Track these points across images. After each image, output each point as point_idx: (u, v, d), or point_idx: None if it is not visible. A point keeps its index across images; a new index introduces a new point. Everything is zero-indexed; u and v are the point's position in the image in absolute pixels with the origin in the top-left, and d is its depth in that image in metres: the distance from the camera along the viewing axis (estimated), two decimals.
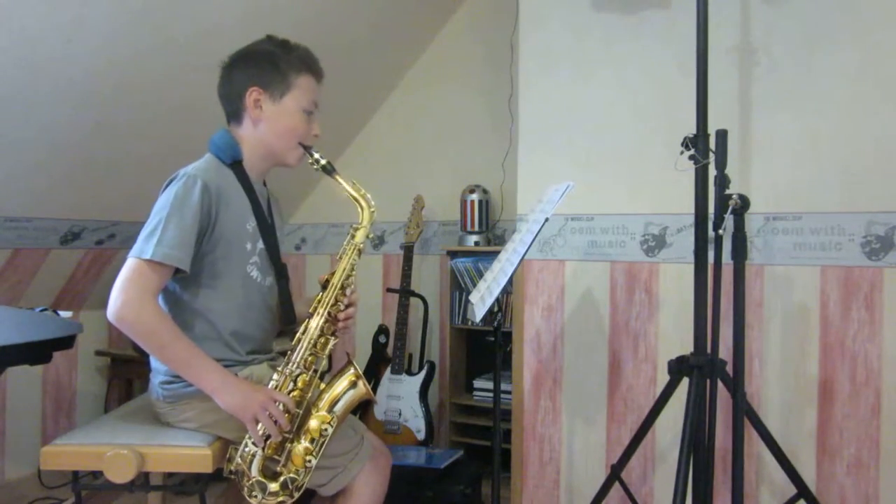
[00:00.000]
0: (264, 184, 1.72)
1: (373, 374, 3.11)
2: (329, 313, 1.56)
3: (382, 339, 3.18)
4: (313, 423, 1.49)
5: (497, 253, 1.91)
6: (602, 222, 2.22)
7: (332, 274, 1.60)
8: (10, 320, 1.62)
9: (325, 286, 1.59)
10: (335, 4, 2.70)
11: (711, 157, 1.64)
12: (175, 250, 1.44)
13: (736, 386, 1.58)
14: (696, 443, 1.62)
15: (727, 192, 1.60)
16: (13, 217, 2.52)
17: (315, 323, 1.55)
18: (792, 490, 1.76)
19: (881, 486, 1.89)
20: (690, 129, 1.68)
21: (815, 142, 1.96)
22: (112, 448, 1.46)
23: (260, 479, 1.46)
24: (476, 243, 3.07)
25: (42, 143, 2.29)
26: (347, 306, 1.60)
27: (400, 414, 2.94)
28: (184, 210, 1.46)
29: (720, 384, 1.66)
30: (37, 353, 1.70)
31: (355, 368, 1.56)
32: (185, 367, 1.47)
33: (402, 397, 2.97)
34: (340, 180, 1.62)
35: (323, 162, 1.62)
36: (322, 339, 1.55)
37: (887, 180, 1.88)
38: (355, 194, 1.64)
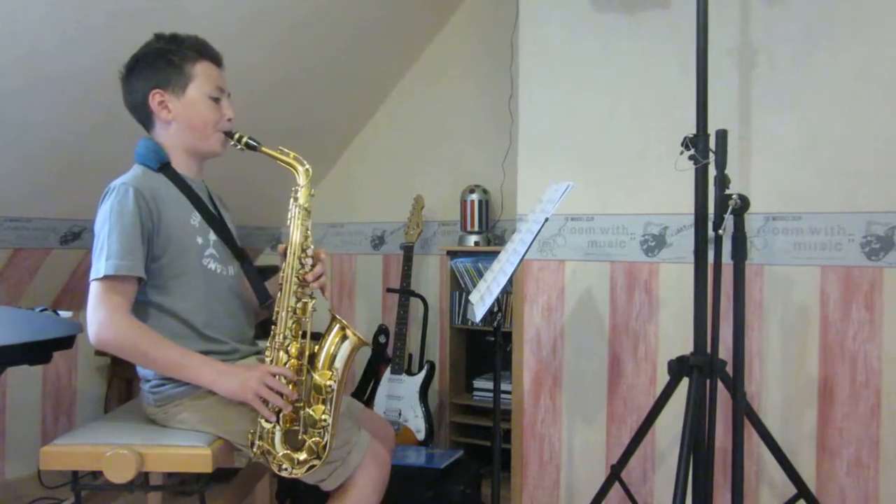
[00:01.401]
0: (204, 181, 1.73)
1: (373, 374, 3.11)
2: (298, 277, 1.58)
3: (382, 339, 3.18)
4: (318, 383, 1.51)
5: (497, 253, 1.91)
6: (602, 222, 2.22)
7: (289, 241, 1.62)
8: (10, 320, 1.62)
9: (285, 255, 1.61)
10: (335, 4, 2.70)
11: (711, 157, 1.64)
12: (124, 260, 1.45)
13: (736, 386, 1.58)
14: (696, 443, 1.62)
15: (727, 192, 1.60)
16: (13, 217, 2.52)
17: (286, 290, 1.56)
18: (792, 490, 1.76)
19: (881, 486, 1.89)
20: (690, 129, 1.68)
21: (815, 142, 1.96)
22: (112, 448, 1.46)
23: (286, 451, 1.48)
24: (476, 243, 3.07)
25: (42, 142, 2.29)
26: (313, 266, 1.61)
27: (400, 414, 2.94)
28: (123, 220, 1.48)
29: (720, 384, 1.65)
30: (37, 353, 1.70)
31: (341, 322, 1.57)
32: (175, 368, 1.50)
33: (402, 397, 2.97)
34: (267, 151, 1.62)
35: (245, 139, 1.63)
36: (300, 305, 1.57)
37: (887, 180, 1.88)
38: (285, 159, 1.63)
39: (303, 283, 1.59)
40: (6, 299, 2.69)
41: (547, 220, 1.67)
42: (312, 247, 1.62)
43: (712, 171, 1.64)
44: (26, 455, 2.87)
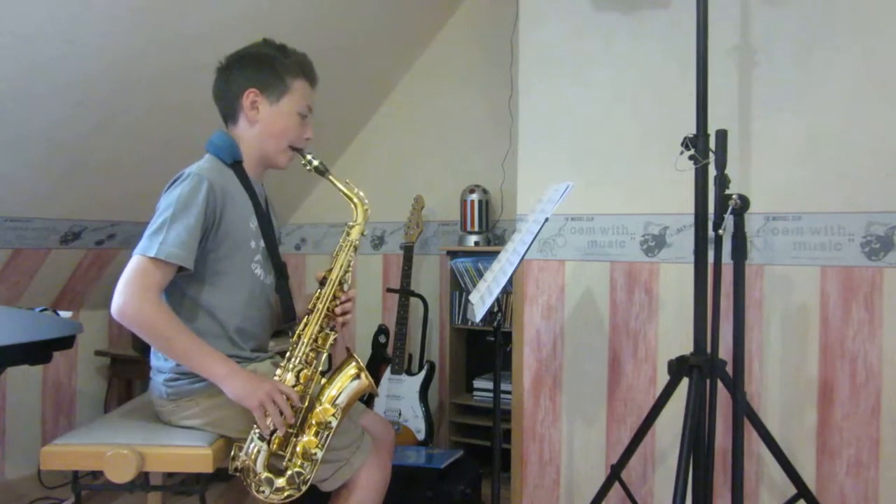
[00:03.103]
0: (262, 184, 1.74)
1: (373, 374, 3.11)
2: (328, 308, 1.58)
3: (382, 339, 3.18)
4: (317, 417, 1.51)
5: (497, 253, 1.91)
6: (602, 222, 2.22)
7: (330, 271, 1.63)
8: (10, 320, 1.62)
9: (322, 283, 1.62)
10: (336, 4, 2.70)
11: (711, 157, 1.64)
12: (179, 249, 1.45)
13: (736, 386, 1.58)
14: (696, 443, 1.62)
15: (727, 192, 1.60)
16: (13, 217, 2.52)
17: (314, 318, 1.57)
18: (792, 490, 1.76)
19: (881, 486, 1.89)
20: (690, 129, 1.68)
21: (815, 142, 1.96)
22: (112, 448, 1.46)
23: (266, 474, 1.47)
24: (476, 243, 3.07)
25: (42, 142, 2.29)
26: (344, 301, 1.62)
27: (400, 414, 2.95)
28: (189, 210, 1.48)
29: (720, 384, 1.66)
30: (37, 353, 1.70)
31: (357, 362, 1.58)
32: (190, 358, 1.49)
33: (402, 397, 2.97)
34: (334, 180, 1.64)
35: (315, 163, 1.65)
36: (322, 335, 1.58)
37: (887, 180, 1.88)
38: (349, 193, 1.66)
39: (330, 314, 1.60)
40: (6, 299, 2.69)
41: (547, 220, 1.67)
42: (349, 281, 1.63)
43: (712, 171, 1.64)
44: (26, 455, 2.87)
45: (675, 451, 1.98)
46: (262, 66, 1.62)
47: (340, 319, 1.62)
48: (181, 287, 1.55)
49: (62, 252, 2.77)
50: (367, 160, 3.52)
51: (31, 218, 2.57)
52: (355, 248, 1.64)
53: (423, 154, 3.39)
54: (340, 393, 1.54)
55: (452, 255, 3.08)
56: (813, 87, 1.96)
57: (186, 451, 1.48)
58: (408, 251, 3.12)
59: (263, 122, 1.63)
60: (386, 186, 3.46)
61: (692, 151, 1.66)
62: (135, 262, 1.46)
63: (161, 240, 1.44)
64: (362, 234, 1.66)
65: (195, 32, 2.30)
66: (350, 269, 1.64)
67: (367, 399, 3.04)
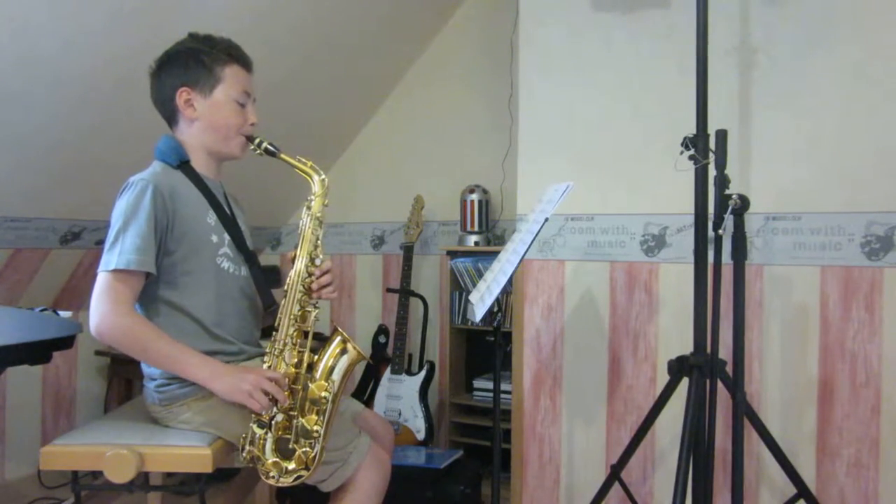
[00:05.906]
0: (221, 182, 1.75)
1: (373, 374, 3.11)
2: (303, 286, 1.58)
3: (382, 339, 3.18)
4: (313, 394, 1.51)
5: (497, 253, 1.91)
6: (602, 222, 2.22)
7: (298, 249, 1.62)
8: (10, 320, 1.62)
9: (293, 262, 1.62)
10: (335, 4, 2.70)
11: (711, 157, 1.64)
12: (137, 255, 1.46)
13: (736, 386, 1.58)
14: (696, 443, 1.62)
15: (727, 192, 1.60)
16: (13, 217, 2.52)
17: (290, 297, 1.57)
18: (792, 490, 1.76)
19: (881, 486, 1.89)
20: (690, 129, 1.68)
21: (815, 142, 1.96)
22: (112, 448, 1.46)
23: (275, 459, 1.48)
24: (476, 243, 3.07)
25: (42, 142, 2.29)
26: (320, 276, 1.61)
27: (400, 414, 2.94)
28: (138, 215, 1.49)
29: (720, 384, 1.66)
30: (36, 353, 1.70)
31: (342, 335, 1.58)
32: (172, 363, 1.49)
33: (401, 397, 2.97)
34: (286, 158, 1.63)
35: (265, 145, 1.64)
36: (302, 313, 1.58)
37: (887, 180, 1.88)
38: (303, 167, 1.65)
39: (308, 292, 1.59)
40: (6, 299, 2.69)
41: (547, 220, 1.67)
42: (322, 257, 1.62)
43: (712, 171, 1.64)
44: (26, 455, 2.87)
45: (675, 451, 1.98)
46: (188, 62, 1.62)
47: (318, 294, 1.60)
48: (153, 292, 1.56)
49: (62, 252, 2.77)
50: (367, 160, 3.52)
51: (30, 218, 2.57)
52: (320, 222, 1.63)
53: (423, 154, 3.39)
54: (331, 368, 1.54)
55: (452, 255, 3.08)
56: (813, 87, 1.96)
57: (186, 451, 1.48)
58: (408, 251, 3.12)
59: (202, 118, 1.63)
60: (386, 186, 3.46)
61: (692, 151, 1.66)
62: (100, 279, 1.47)
63: (118, 251, 1.46)
64: (325, 206, 1.64)
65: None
66: (319, 243, 1.62)
67: (368, 398, 3.04)
